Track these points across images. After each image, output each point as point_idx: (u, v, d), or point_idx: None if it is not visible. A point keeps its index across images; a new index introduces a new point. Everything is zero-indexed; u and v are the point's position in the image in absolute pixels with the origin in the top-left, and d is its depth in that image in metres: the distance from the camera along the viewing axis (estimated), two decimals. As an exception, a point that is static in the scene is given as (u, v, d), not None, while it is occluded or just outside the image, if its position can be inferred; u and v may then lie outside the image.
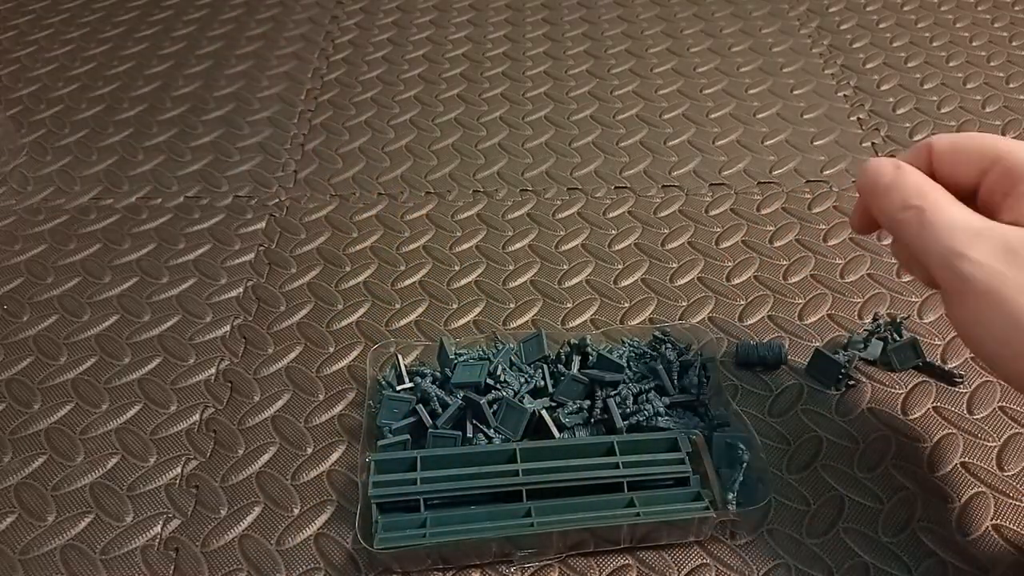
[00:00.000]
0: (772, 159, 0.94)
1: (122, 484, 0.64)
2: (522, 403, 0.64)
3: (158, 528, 0.61)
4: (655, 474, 0.60)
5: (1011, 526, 0.60)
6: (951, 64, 1.08)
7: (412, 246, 0.84)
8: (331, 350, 0.74)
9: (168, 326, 0.77)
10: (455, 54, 1.12)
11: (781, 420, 0.68)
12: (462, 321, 0.76)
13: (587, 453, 0.61)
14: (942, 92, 1.03)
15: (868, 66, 1.08)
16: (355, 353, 0.74)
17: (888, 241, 0.83)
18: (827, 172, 0.92)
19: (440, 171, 0.93)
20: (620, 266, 0.81)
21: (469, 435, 0.63)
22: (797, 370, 0.71)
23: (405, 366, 0.69)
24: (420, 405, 0.65)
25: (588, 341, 0.68)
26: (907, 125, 0.98)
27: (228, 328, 0.76)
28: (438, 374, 0.68)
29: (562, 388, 0.66)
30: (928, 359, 0.70)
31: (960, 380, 0.70)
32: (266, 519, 0.62)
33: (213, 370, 0.73)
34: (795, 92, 1.04)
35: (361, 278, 0.81)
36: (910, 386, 0.70)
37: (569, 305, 0.78)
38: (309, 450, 0.66)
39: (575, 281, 0.80)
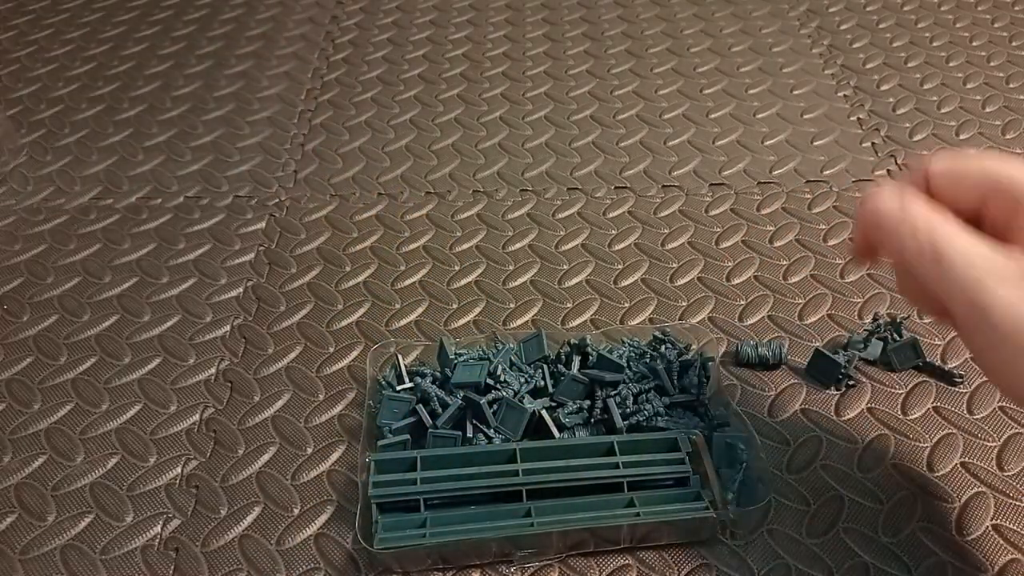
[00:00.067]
0: (772, 159, 0.94)
1: (122, 484, 0.64)
2: (522, 403, 0.64)
3: (158, 528, 0.61)
4: (655, 474, 0.60)
5: (1011, 526, 0.60)
6: (951, 64, 1.08)
7: (412, 246, 0.84)
8: (331, 350, 0.74)
9: (168, 326, 0.77)
10: (455, 54, 1.12)
11: (781, 420, 0.68)
12: (462, 321, 0.76)
13: (587, 453, 0.61)
14: (942, 92, 1.03)
15: (868, 66, 1.08)
16: (355, 353, 0.74)
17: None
18: (827, 172, 0.92)
19: (440, 171, 0.93)
20: (620, 266, 0.81)
21: (469, 435, 0.63)
22: (797, 370, 0.71)
23: (405, 366, 0.69)
24: (420, 405, 0.65)
25: (588, 341, 0.68)
26: (907, 125, 0.98)
27: (228, 328, 0.76)
28: (438, 374, 0.68)
29: (562, 388, 0.66)
30: (928, 359, 0.70)
31: (960, 380, 0.70)
32: (266, 519, 0.62)
33: (213, 370, 0.73)
34: (795, 92, 1.04)
35: (361, 278, 0.81)
36: (910, 386, 0.70)
37: (569, 305, 0.78)
38: (309, 450, 0.66)
39: (575, 281, 0.80)
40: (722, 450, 0.62)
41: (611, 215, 0.87)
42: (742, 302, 0.77)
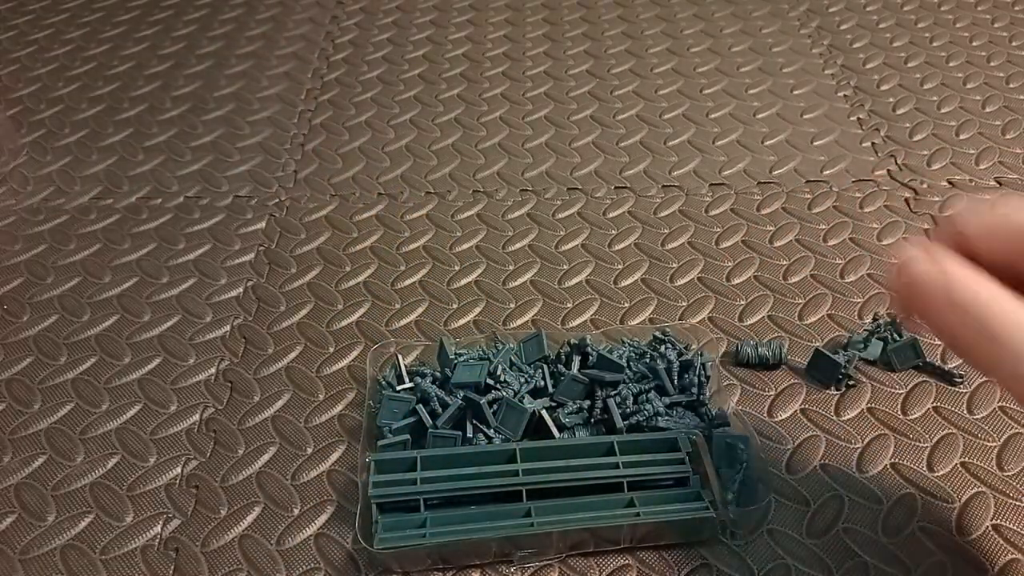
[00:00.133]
0: (772, 159, 0.94)
1: (122, 484, 0.64)
2: (522, 403, 0.64)
3: (158, 528, 0.61)
4: (655, 474, 0.60)
5: (1011, 526, 0.60)
6: (951, 64, 1.08)
7: (412, 246, 0.84)
8: (331, 350, 0.74)
9: (168, 326, 0.77)
10: (455, 54, 1.12)
11: (781, 420, 0.68)
12: (462, 321, 0.76)
13: (587, 453, 0.61)
14: (942, 92, 1.03)
15: (868, 66, 1.08)
16: (355, 353, 0.74)
17: (888, 241, 0.83)
18: (827, 172, 0.92)
19: (440, 171, 0.93)
20: (620, 266, 0.81)
21: (469, 435, 0.63)
22: (797, 370, 0.71)
23: (405, 366, 0.69)
24: (420, 405, 0.65)
25: (588, 341, 0.68)
26: (907, 125, 0.98)
27: (228, 328, 0.76)
28: (438, 374, 0.68)
29: (562, 388, 0.66)
30: (928, 359, 0.70)
31: (960, 380, 0.70)
32: (266, 519, 0.62)
33: (213, 370, 0.73)
34: (795, 92, 1.04)
35: (361, 278, 0.81)
36: (910, 386, 0.70)
37: (569, 305, 0.78)
38: (309, 450, 0.66)
39: (575, 281, 0.80)
40: (722, 450, 0.62)
41: (611, 215, 0.87)
42: (742, 302, 0.77)
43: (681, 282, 0.79)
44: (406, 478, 0.59)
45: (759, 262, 0.81)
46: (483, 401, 0.63)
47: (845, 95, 1.03)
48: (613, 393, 0.65)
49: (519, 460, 0.60)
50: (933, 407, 0.68)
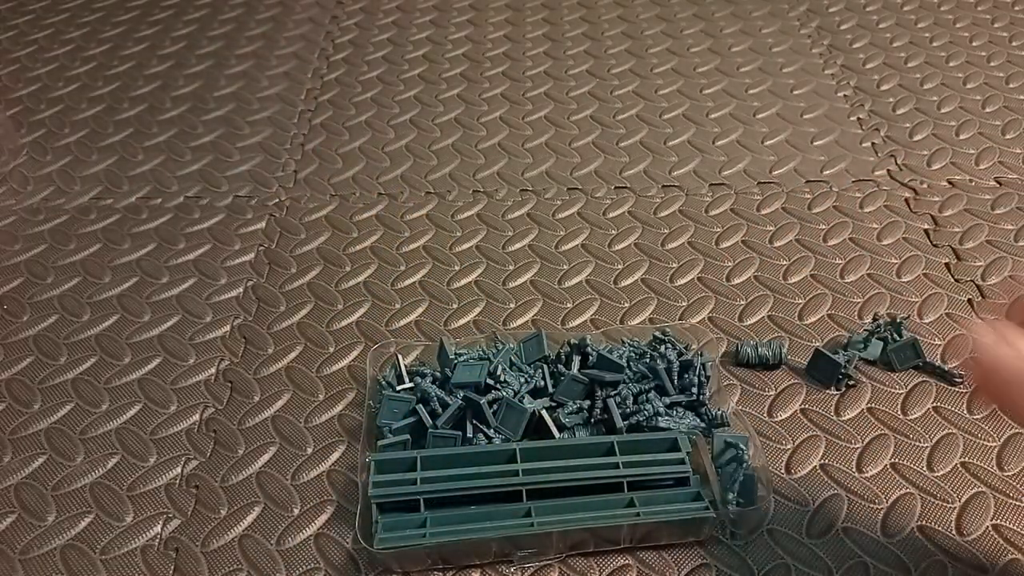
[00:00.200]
0: (772, 159, 0.94)
1: (122, 484, 0.64)
2: (522, 403, 0.64)
3: (158, 528, 0.61)
4: (655, 474, 0.60)
5: (1011, 526, 0.60)
6: (951, 64, 1.08)
7: (412, 246, 0.84)
8: (331, 350, 0.74)
9: (168, 326, 0.77)
10: (455, 54, 1.12)
11: (781, 420, 0.68)
12: (462, 321, 0.76)
13: (587, 453, 0.61)
14: (942, 92, 1.03)
15: (868, 66, 1.08)
16: (355, 353, 0.74)
17: (888, 241, 0.83)
18: (827, 172, 0.92)
19: (440, 171, 0.93)
20: (620, 266, 0.81)
21: (469, 435, 0.63)
22: (797, 370, 0.71)
23: (405, 366, 0.69)
24: (420, 405, 0.65)
25: (588, 341, 0.68)
26: (907, 125, 0.98)
27: (228, 328, 0.76)
28: (438, 374, 0.68)
29: (562, 388, 0.66)
30: (928, 359, 0.70)
31: (960, 380, 0.69)
32: (266, 519, 0.62)
33: (213, 370, 0.73)
34: (795, 92, 1.04)
35: (361, 278, 0.81)
36: (910, 386, 0.70)
37: (569, 305, 0.78)
38: (309, 450, 0.66)
39: (575, 281, 0.80)
40: (722, 450, 0.62)
41: (611, 215, 0.87)
42: (742, 302, 0.77)
43: (681, 282, 0.79)
44: (406, 478, 0.59)
45: (759, 262, 0.81)
46: (483, 401, 0.63)
47: (845, 95, 1.03)
48: (613, 393, 0.65)
49: (519, 460, 0.60)
50: (933, 407, 0.68)
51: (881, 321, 0.72)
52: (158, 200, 0.91)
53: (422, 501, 0.59)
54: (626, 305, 0.77)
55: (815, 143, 0.96)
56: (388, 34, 1.17)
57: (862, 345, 0.71)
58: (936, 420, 0.67)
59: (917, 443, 0.65)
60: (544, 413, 0.64)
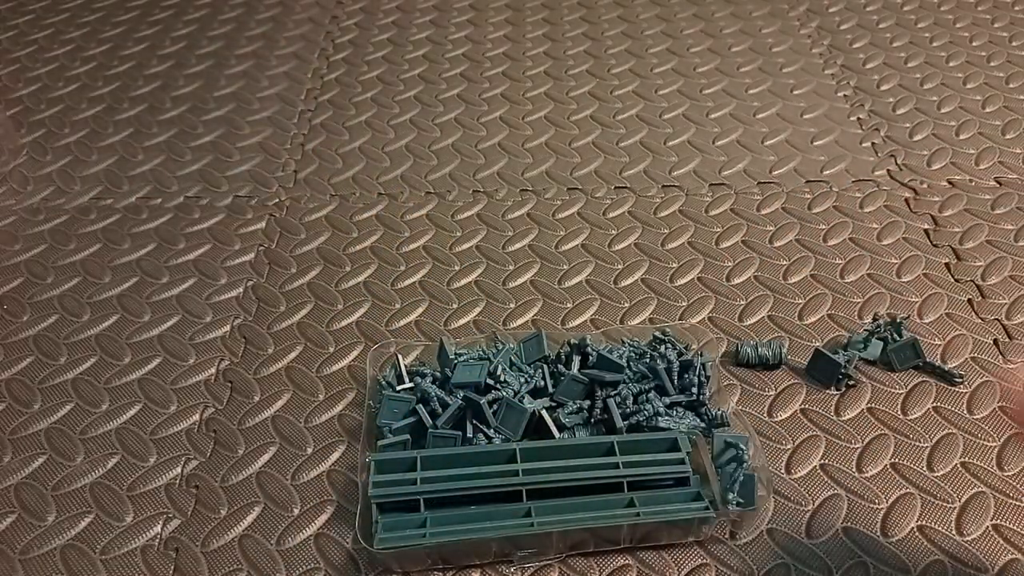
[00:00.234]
0: (772, 159, 0.94)
1: (122, 484, 0.64)
2: (522, 403, 0.64)
3: (158, 528, 0.61)
4: (655, 474, 0.60)
5: (1011, 526, 0.60)
6: (951, 64, 1.08)
7: (412, 246, 0.84)
8: (331, 350, 0.74)
9: (168, 326, 0.77)
10: (455, 54, 1.12)
11: (781, 420, 0.68)
12: (462, 321, 0.76)
13: (587, 453, 0.61)
14: (942, 92, 1.03)
15: (868, 66, 1.08)
16: (355, 353, 0.74)
17: (888, 241, 0.83)
18: (827, 172, 0.92)
19: (440, 171, 0.93)
20: (620, 266, 0.81)
21: (469, 435, 0.63)
22: (797, 370, 0.71)
23: (405, 366, 0.69)
24: (420, 405, 0.65)
25: (588, 341, 0.68)
26: (907, 125, 0.98)
27: (228, 328, 0.76)
28: (438, 374, 0.68)
29: (562, 388, 0.66)
30: (928, 359, 0.70)
31: (960, 380, 0.70)
32: (266, 519, 0.62)
33: (213, 370, 0.73)
34: (795, 92, 1.04)
35: (361, 278, 0.81)
36: (910, 386, 0.70)
37: (569, 305, 0.78)
38: (309, 450, 0.66)
39: (575, 281, 0.80)
40: (722, 450, 0.61)
41: (611, 215, 0.87)
42: (742, 302, 0.77)
43: (681, 282, 0.79)
44: (406, 478, 0.59)
45: (759, 262, 0.81)
46: (483, 401, 0.63)
47: (845, 95, 1.03)
48: (613, 393, 0.65)
49: (519, 460, 0.60)
50: (933, 407, 0.68)
51: (881, 321, 0.72)
52: (158, 200, 0.91)
53: (422, 501, 0.59)
54: (626, 305, 0.77)
55: (815, 143, 0.96)
56: (388, 34, 1.17)
57: (862, 345, 0.71)
58: (936, 420, 0.67)
59: (917, 443, 0.65)
60: (544, 413, 0.64)
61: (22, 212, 0.89)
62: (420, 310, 0.77)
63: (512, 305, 0.78)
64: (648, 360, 0.68)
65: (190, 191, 0.92)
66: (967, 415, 0.67)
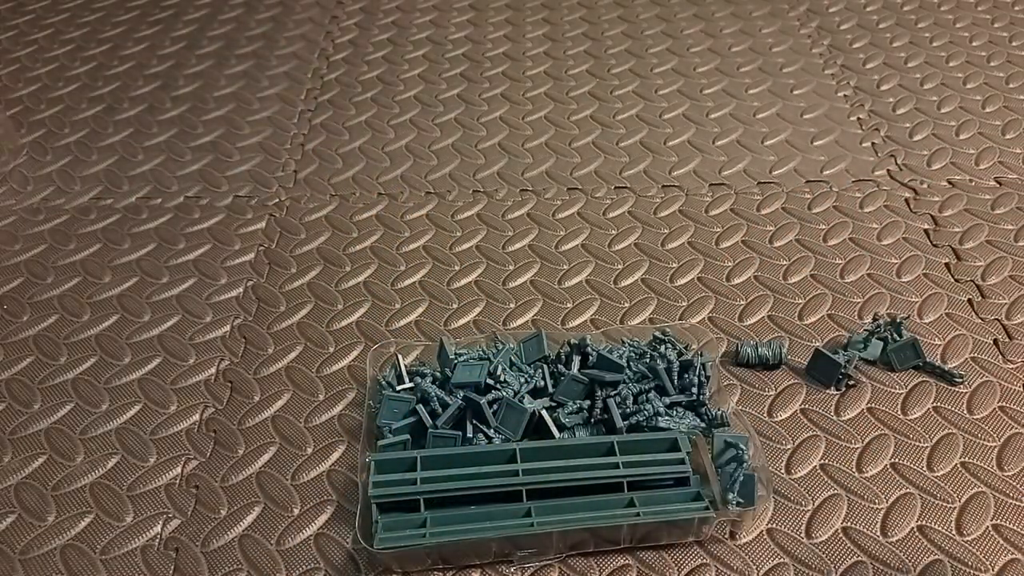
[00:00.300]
0: (772, 159, 0.94)
1: (122, 484, 0.64)
2: (522, 403, 0.64)
3: (158, 528, 0.61)
4: (655, 474, 0.60)
5: (1011, 526, 0.60)
6: (951, 64, 1.08)
7: (412, 246, 0.84)
8: (331, 350, 0.74)
9: (168, 326, 0.77)
10: (455, 54, 1.12)
11: (781, 420, 0.68)
12: (462, 321, 0.76)
13: (587, 453, 0.61)
14: (942, 92, 1.03)
15: (868, 66, 1.08)
16: (355, 353, 0.74)
17: (888, 241, 0.83)
18: (827, 172, 0.92)
19: (440, 171, 0.93)
20: (620, 266, 0.81)
21: (469, 435, 0.63)
22: (797, 370, 0.71)
23: (405, 366, 0.69)
24: (420, 405, 0.65)
25: (588, 341, 0.68)
26: (907, 125, 0.98)
27: (228, 328, 0.76)
28: (438, 374, 0.68)
29: (562, 388, 0.66)
30: (928, 359, 0.70)
31: (960, 380, 0.70)
32: (266, 519, 0.62)
33: (213, 370, 0.73)
34: (795, 92, 1.04)
35: (361, 278, 0.81)
36: (910, 386, 0.70)
37: (569, 305, 0.78)
38: (309, 450, 0.66)
39: (575, 281, 0.80)
40: (722, 450, 0.61)
41: (611, 215, 0.87)
42: (742, 302, 0.77)
43: (681, 282, 0.79)
44: (406, 478, 0.59)
45: (759, 262, 0.81)
46: (483, 401, 0.63)
47: (845, 95, 1.03)
48: (613, 393, 0.65)
49: (519, 460, 0.60)
50: (933, 407, 0.68)
51: (881, 321, 0.72)
52: (158, 200, 0.91)
53: (422, 501, 0.59)
54: (626, 305, 0.77)
55: (815, 143, 0.96)
56: (388, 34, 1.17)
57: (862, 345, 0.71)
58: (936, 420, 0.67)
59: (917, 443, 0.65)
60: (544, 413, 0.64)
61: (22, 212, 0.89)
62: (420, 310, 0.77)
63: (512, 305, 0.78)
64: (648, 360, 0.68)
65: (190, 191, 0.92)
66: (967, 415, 0.67)
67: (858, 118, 0.99)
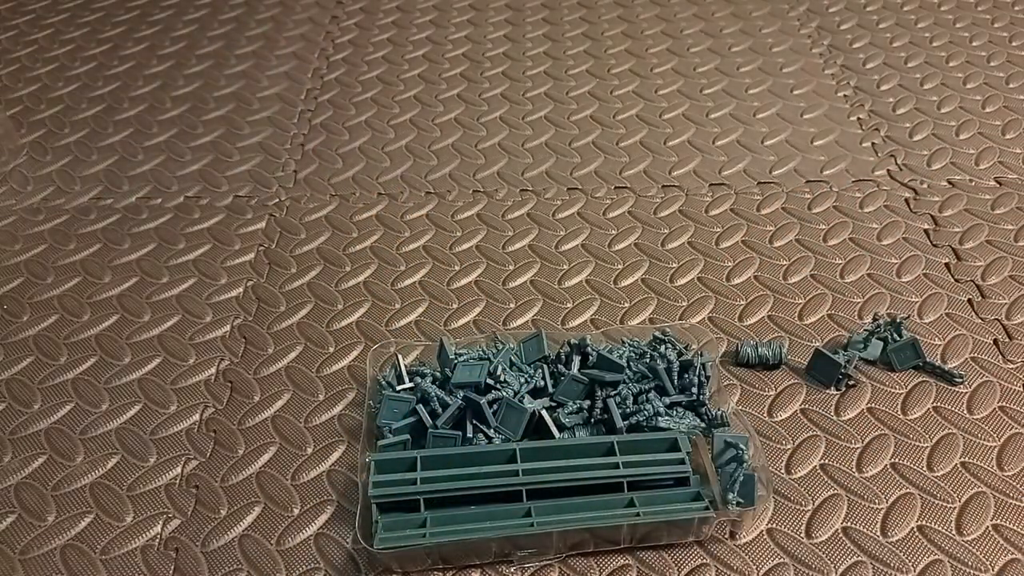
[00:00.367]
0: (772, 159, 0.94)
1: (122, 484, 0.64)
2: (522, 403, 0.64)
3: (158, 528, 0.61)
4: (655, 474, 0.60)
5: (1011, 526, 0.60)
6: (951, 64, 1.08)
7: (412, 246, 0.84)
8: (331, 350, 0.74)
9: (168, 326, 0.77)
10: (455, 54, 1.12)
11: (781, 420, 0.68)
12: (462, 321, 0.76)
13: (587, 453, 0.61)
14: (942, 92, 1.03)
15: (868, 66, 1.08)
16: (355, 353, 0.74)
17: (888, 241, 0.83)
18: (827, 172, 0.92)
19: (440, 171, 0.93)
20: (620, 266, 0.81)
21: (469, 435, 0.63)
22: (797, 370, 0.71)
23: (405, 366, 0.69)
24: (420, 405, 0.65)
25: (588, 341, 0.68)
26: (907, 125, 0.98)
27: (228, 328, 0.76)
28: (438, 374, 0.68)
29: (562, 388, 0.66)
30: (928, 359, 0.70)
31: (960, 380, 0.70)
32: (266, 519, 0.62)
33: (213, 370, 0.73)
34: (795, 92, 1.04)
35: (361, 278, 0.81)
36: (910, 386, 0.70)
37: (569, 305, 0.78)
38: (309, 450, 0.66)
39: (575, 281, 0.80)
40: (722, 450, 0.61)
41: (611, 215, 0.87)
42: (742, 302, 0.77)
43: (681, 282, 0.79)
44: (406, 478, 0.59)
45: (759, 262, 0.81)
46: (483, 401, 0.63)
47: (845, 95, 1.03)
48: (613, 393, 0.65)
49: (519, 460, 0.60)
50: (933, 407, 0.68)
51: (881, 321, 0.72)
52: (158, 200, 0.91)
53: (422, 501, 0.59)
54: (626, 305, 0.77)
55: (815, 143, 0.96)
56: (388, 34, 1.17)
57: (862, 345, 0.71)
58: (936, 420, 0.67)
59: (917, 443, 0.65)
60: (544, 413, 0.64)
61: (22, 212, 0.89)
62: (420, 310, 0.77)
63: (512, 305, 0.78)
64: (648, 360, 0.68)
65: (190, 191, 0.92)
66: (967, 415, 0.67)
67: (858, 118, 0.99)
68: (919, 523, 0.60)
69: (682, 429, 0.63)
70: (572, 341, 0.69)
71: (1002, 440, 0.65)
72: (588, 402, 0.65)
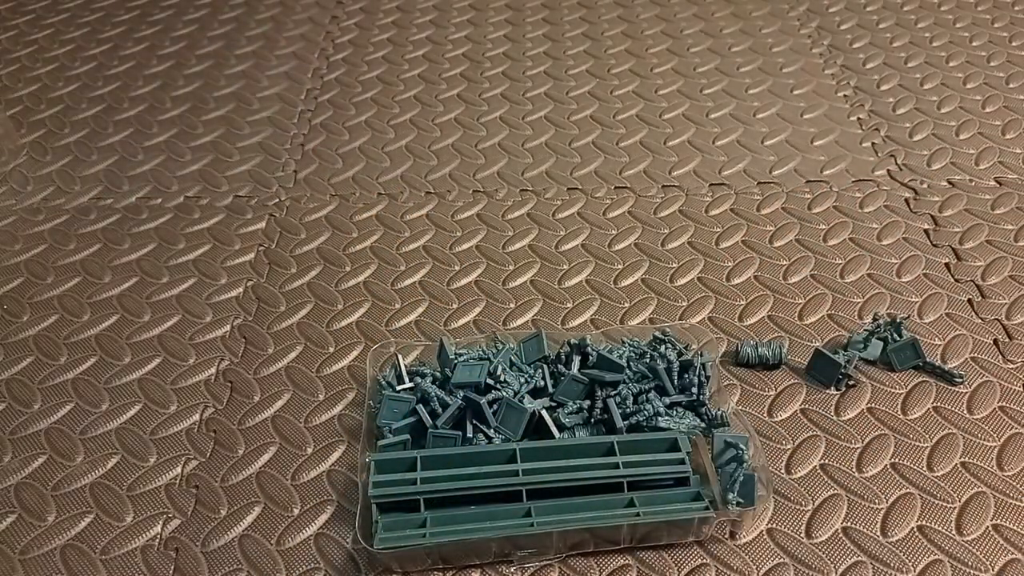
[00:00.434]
0: (772, 159, 0.94)
1: (122, 484, 0.64)
2: (522, 403, 0.64)
3: (158, 528, 0.61)
4: (655, 474, 0.60)
5: (1011, 526, 0.60)
6: (951, 64, 1.08)
7: (412, 246, 0.84)
8: (331, 350, 0.74)
9: (168, 326, 0.77)
10: (455, 54, 1.12)
11: (781, 420, 0.68)
12: (462, 321, 0.76)
13: (587, 453, 0.61)
14: (942, 92, 1.03)
15: (868, 66, 1.08)
16: (355, 353, 0.74)
17: (888, 241, 0.83)
18: (827, 172, 0.92)
19: (440, 171, 0.93)
20: (620, 266, 0.81)
21: (469, 435, 0.63)
22: (797, 370, 0.71)
23: (405, 366, 0.69)
24: (420, 405, 0.65)
25: (588, 341, 0.68)
26: (907, 125, 0.98)
27: (228, 328, 0.76)
28: (438, 374, 0.68)
29: (562, 388, 0.66)
30: (928, 359, 0.70)
31: (960, 380, 0.70)
32: (266, 519, 0.62)
33: (213, 370, 0.73)
34: (795, 92, 1.04)
35: (361, 278, 0.81)
36: (910, 386, 0.70)
37: (569, 305, 0.78)
38: (309, 450, 0.66)
39: (575, 281, 0.80)
40: (722, 450, 0.61)
41: (611, 215, 0.87)
42: (742, 302, 0.77)
43: (681, 282, 0.79)
44: (406, 478, 0.59)
45: (759, 262, 0.81)
46: (483, 401, 0.63)
47: (845, 95, 1.03)
48: (613, 393, 0.65)
49: (519, 460, 0.60)
50: (933, 407, 0.68)
51: (881, 321, 0.72)
52: (158, 200, 0.91)
53: (422, 501, 0.59)
54: (626, 305, 0.77)
55: (815, 143, 0.96)
56: (388, 34, 1.17)
57: (862, 345, 0.71)
58: (936, 420, 0.67)
59: (917, 443, 0.65)
60: (544, 413, 0.64)
61: (22, 212, 0.89)
62: (420, 310, 0.77)
63: (512, 305, 0.78)
64: (648, 360, 0.68)
65: (190, 191, 0.92)
66: (967, 415, 0.67)
67: (858, 118, 0.99)
68: (919, 523, 0.60)
69: (682, 429, 0.63)
70: (572, 341, 0.69)
71: (1002, 440, 0.65)
72: (588, 402, 0.65)
